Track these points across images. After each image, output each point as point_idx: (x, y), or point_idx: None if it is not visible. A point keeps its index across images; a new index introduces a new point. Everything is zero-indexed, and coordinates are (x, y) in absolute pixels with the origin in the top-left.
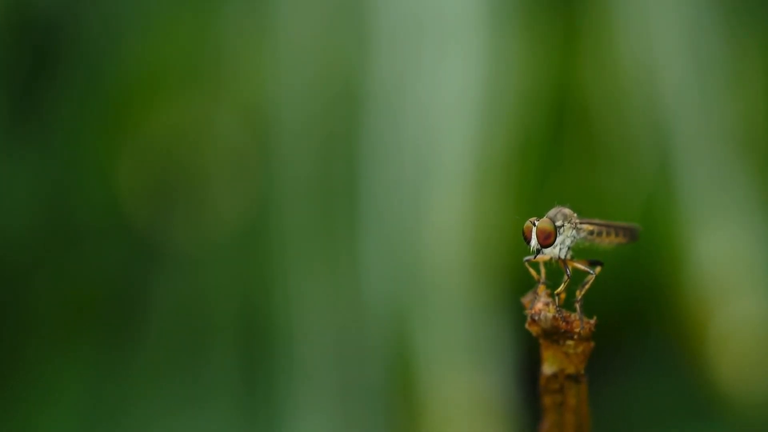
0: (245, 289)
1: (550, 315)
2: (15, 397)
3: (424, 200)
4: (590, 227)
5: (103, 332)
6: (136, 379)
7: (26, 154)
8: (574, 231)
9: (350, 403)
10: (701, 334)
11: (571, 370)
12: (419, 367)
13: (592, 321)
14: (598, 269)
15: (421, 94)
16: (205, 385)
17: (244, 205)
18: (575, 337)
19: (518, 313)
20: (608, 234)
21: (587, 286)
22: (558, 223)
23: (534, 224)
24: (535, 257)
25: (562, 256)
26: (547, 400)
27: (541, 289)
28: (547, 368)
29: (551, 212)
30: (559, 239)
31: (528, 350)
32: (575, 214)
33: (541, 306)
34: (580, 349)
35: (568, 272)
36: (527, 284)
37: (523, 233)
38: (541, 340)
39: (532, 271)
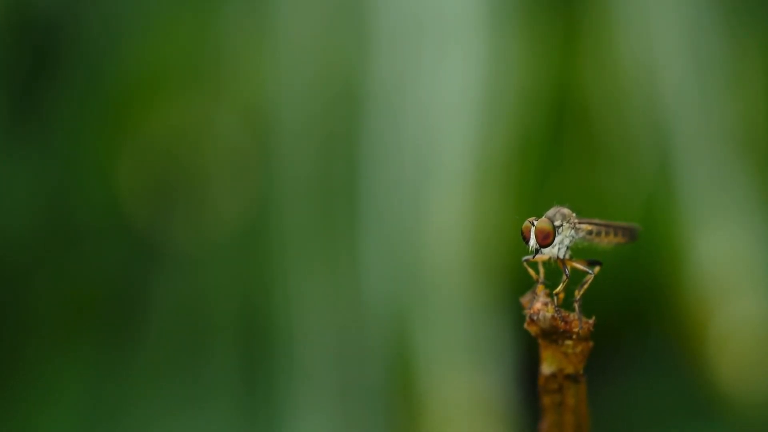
0: (245, 289)
1: (548, 315)
2: (15, 397)
3: (424, 200)
4: (589, 227)
5: (103, 332)
6: (136, 379)
7: (26, 154)
8: (573, 231)
9: (350, 403)
10: (701, 334)
11: (570, 369)
12: (419, 367)
13: (591, 321)
14: (597, 269)
15: (421, 95)
16: (205, 385)
17: (244, 205)
18: (574, 336)
19: (517, 313)
20: (607, 234)
21: (586, 286)
22: (557, 223)
23: (533, 224)
24: (533, 257)
25: (561, 256)
26: (546, 400)
27: (540, 289)
28: (546, 368)
29: (550, 212)
30: (557, 239)
31: (527, 350)
32: (574, 214)
33: (540, 306)
34: (578, 348)
35: (567, 272)
36: (527, 284)
37: (522, 233)
38: (540, 340)
39: (531, 271)
